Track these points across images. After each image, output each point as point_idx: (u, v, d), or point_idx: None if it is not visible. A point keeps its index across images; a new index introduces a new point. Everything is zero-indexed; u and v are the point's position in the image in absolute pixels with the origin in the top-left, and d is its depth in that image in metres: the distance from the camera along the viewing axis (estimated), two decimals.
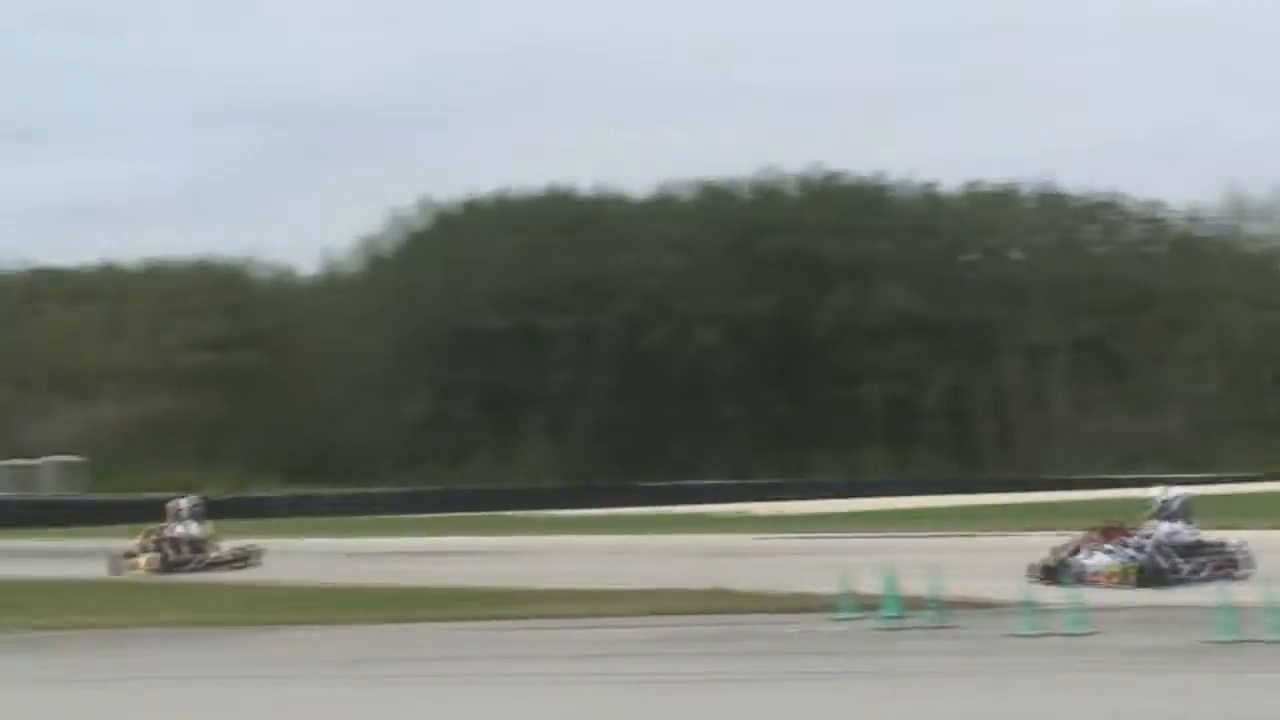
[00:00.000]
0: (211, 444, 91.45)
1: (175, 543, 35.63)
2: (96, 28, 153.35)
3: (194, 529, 36.03)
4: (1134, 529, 26.17)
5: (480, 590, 26.85)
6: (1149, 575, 25.10)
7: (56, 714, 15.65)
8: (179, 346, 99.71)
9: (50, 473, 75.31)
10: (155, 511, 64.06)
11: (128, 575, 34.25)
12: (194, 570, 34.44)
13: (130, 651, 20.24)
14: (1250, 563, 25.71)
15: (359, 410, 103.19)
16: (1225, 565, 25.51)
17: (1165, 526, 25.93)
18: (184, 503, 36.84)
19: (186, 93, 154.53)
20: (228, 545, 36.29)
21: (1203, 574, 24.87)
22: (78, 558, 39.38)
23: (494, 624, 22.04)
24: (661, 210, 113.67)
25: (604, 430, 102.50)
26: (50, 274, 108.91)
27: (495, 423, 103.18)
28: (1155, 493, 26.77)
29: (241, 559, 35.36)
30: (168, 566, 34.69)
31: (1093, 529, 26.47)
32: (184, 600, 26.47)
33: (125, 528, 57.75)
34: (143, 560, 35.11)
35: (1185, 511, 26.30)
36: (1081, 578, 24.82)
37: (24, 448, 78.99)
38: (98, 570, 34.43)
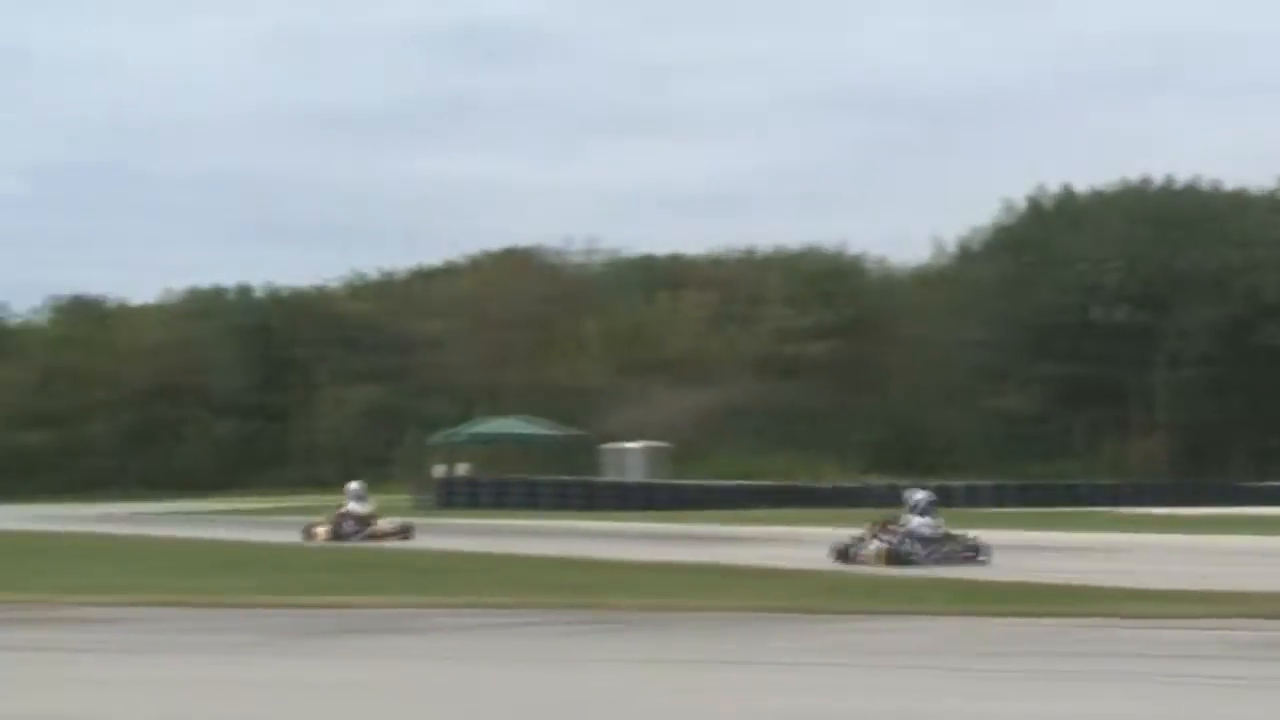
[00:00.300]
0: (798, 433, 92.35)
1: (347, 517, 42.56)
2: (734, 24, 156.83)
3: (362, 507, 42.96)
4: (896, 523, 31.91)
5: (1058, 587, 25.91)
6: (895, 558, 30.66)
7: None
8: (775, 335, 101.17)
9: (639, 457, 77.22)
10: (728, 497, 64.97)
11: (311, 543, 41.12)
12: (359, 540, 40.85)
13: (718, 634, 20.29)
14: (987, 553, 31.37)
15: (949, 403, 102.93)
16: (963, 553, 31.28)
17: (915, 520, 31.78)
18: (354, 485, 43.65)
19: (803, 83, 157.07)
20: (386, 521, 43.02)
21: (935, 557, 30.69)
22: (661, 541, 40.83)
23: (1080, 621, 21.14)
24: (1270, 204, 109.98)
25: (1198, 428, 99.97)
26: (658, 262, 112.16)
27: (1087, 418, 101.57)
28: (918, 494, 32.44)
29: (400, 532, 42.20)
30: (338, 537, 41.45)
31: (874, 523, 31.91)
32: (765, 586, 26.47)
33: (695, 512, 59.11)
34: (320, 531, 42.16)
35: (931, 510, 32.04)
36: (855, 559, 30.85)
37: (619, 432, 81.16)
38: (678, 553, 34.89)
